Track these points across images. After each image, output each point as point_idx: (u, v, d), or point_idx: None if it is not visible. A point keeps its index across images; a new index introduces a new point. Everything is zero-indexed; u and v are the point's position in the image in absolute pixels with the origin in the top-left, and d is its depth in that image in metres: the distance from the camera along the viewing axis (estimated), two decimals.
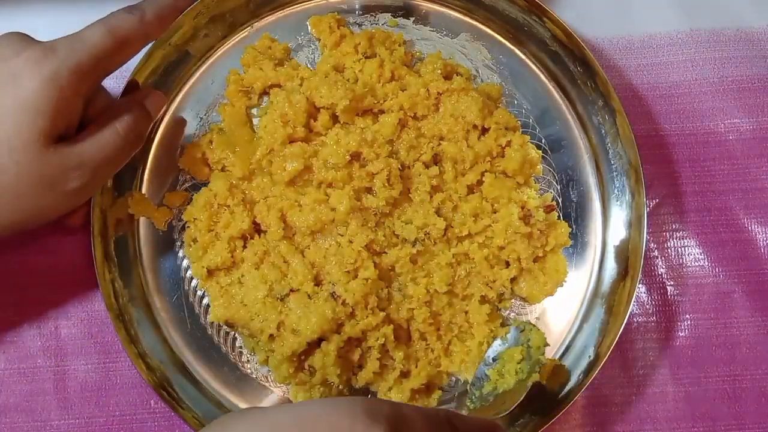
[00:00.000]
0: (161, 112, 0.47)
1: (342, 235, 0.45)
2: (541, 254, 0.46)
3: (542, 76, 0.49)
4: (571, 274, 0.47)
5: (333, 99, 0.45)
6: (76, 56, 0.36)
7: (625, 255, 0.46)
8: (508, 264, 0.46)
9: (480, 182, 0.47)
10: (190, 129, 0.48)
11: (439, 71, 0.47)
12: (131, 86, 0.45)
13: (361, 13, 0.50)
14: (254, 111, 0.48)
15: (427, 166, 0.46)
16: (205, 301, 0.46)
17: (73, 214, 0.44)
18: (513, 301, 0.47)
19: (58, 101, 0.35)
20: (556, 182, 0.48)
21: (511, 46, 0.50)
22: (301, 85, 0.47)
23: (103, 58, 0.38)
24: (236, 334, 0.46)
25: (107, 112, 0.40)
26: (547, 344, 0.44)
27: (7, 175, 0.36)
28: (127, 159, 0.41)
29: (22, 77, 0.35)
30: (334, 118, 0.46)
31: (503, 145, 0.47)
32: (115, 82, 0.49)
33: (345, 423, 0.30)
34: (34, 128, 0.35)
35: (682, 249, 0.49)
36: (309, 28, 0.49)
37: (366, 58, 0.48)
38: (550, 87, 0.49)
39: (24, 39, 0.37)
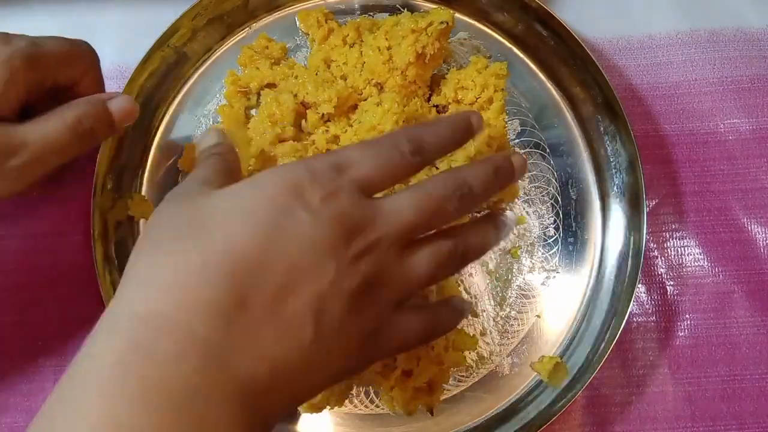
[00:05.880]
0: (162, 115, 0.48)
1: None
2: None
3: (541, 75, 0.50)
4: (571, 273, 0.48)
5: (318, 99, 0.44)
6: (32, 50, 0.37)
7: (624, 254, 0.46)
8: None
9: None
10: (189, 130, 0.48)
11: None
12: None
13: (359, 13, 0.50)
14: (253, 112, 0.48)
15: None
16: None
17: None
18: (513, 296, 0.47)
19: (7, 85, 0.36)
20: (555, 180, 0.48)
21: (510, 45, 0.50)
22: (296, 78, 0.47)
23: (54, 59, 0.38)
24: None
25: (62, 106, 0.39)
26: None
27: None
28: (75, 153, 0.39)
29: None
30: (324, 116, 0.46)
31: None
32: (115, 83, 0.50)
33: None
34: None
35: (682, 249, 0.49)
36: (297, 22, 0.49)
37: (351, 47, 0.48)
38: (549, 86, 0.49)
39: None
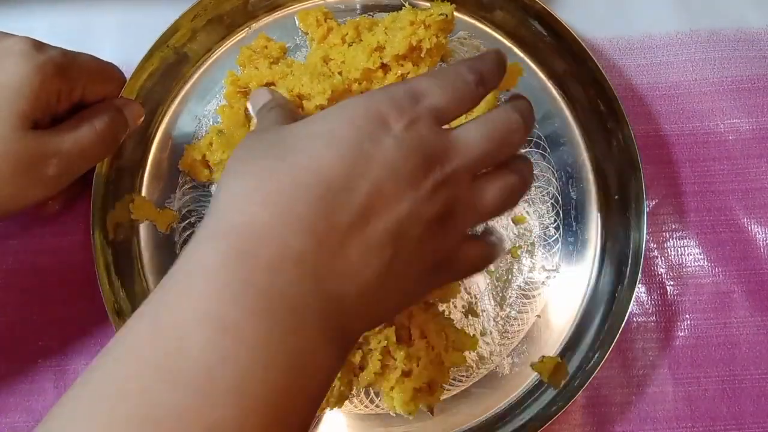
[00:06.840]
0: (162, 115, 0.48)
1: None
2: None
3: (541, 75, 0.50)
4: (571, 273, 0.48)
5: (313, 91, 0.44)
6: (64, 60, 0.38)
7: (624, 255, 0.46)
8: None
9: None
10: (189, 130, 0.48)
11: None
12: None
13: (359, 12, 0.50)
14: None
15: None
16: None
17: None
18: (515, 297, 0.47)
19: (41, 89, 0.37)
20: (556, 180, 0.48)
21: (509, 44, 0.50)
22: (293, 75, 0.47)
23: (85, 73, 0.40)
24: None
25: (85, 112, 0.41)
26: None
27: None
28: (101, 158, 0.43)
29: (8, 62, 0.36)
30: (318, 107, 0.45)
31: None
32: None
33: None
34: (14, 108, 0.36)
35: (682, 249, 0.49)
36: (296, 22, 0.49)
37: (350, 46, 0.48)
38: (549, 85, 0.49)
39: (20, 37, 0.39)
